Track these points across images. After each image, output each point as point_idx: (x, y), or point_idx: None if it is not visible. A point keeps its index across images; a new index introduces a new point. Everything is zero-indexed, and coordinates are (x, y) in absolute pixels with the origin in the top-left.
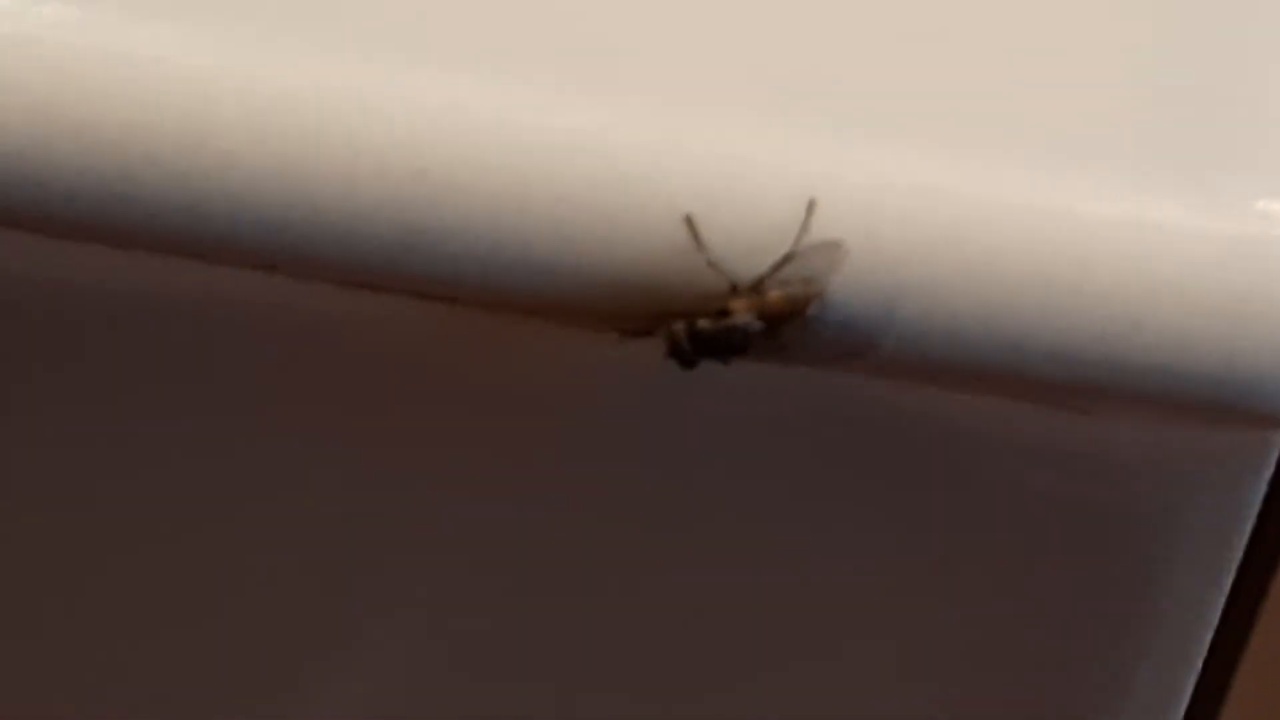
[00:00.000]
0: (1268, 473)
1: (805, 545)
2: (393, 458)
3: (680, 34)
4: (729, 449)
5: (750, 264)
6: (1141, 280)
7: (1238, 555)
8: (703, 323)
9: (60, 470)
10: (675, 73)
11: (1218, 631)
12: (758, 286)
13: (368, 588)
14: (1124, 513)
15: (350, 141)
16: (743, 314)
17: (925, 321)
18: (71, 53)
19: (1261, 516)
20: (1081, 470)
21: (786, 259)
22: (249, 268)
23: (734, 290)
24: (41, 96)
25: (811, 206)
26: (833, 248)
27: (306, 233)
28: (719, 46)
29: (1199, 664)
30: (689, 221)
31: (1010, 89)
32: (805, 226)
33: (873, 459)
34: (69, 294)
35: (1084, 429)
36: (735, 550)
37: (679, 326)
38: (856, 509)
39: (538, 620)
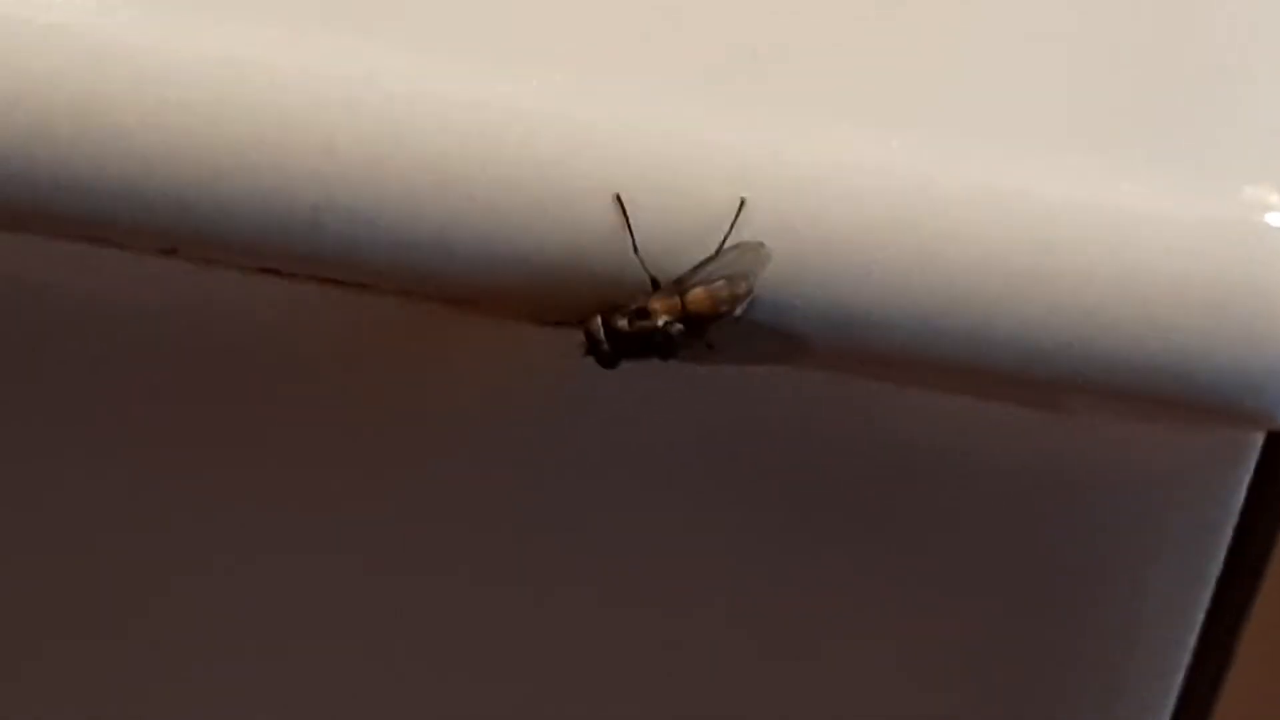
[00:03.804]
0: (1247, 476)
1: (765, 551)
2: (306, 451)
3: (621, 7)
4: (670, 451)
5: (677, 260)
6: (1111, 268)
7: (1218, 562)
8: (621, 321)
9: None
10: (611, 49)
11: (1202, 641)
12: (679, 285)
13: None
14: (1097, 517)
15: (253, 114)
16: (662, 314)
17: (871, 314)
18: None
19: (1244, 521)
20: (1050, 472)
21: (710, 258)
22: (146, 251)
23: (655, 288)
24: None
25: (741, 205)
26: (758, 247)
27: (206, 211)
28: (657, 24)
29: (1182, 673)
30: (618, 201)
31: (966, 66)
32: (734, 225)
33: (829, 462)
34: None
35: (1050, 428)
36: (671, 557)
37: (596, 323)
38: (812, 515)
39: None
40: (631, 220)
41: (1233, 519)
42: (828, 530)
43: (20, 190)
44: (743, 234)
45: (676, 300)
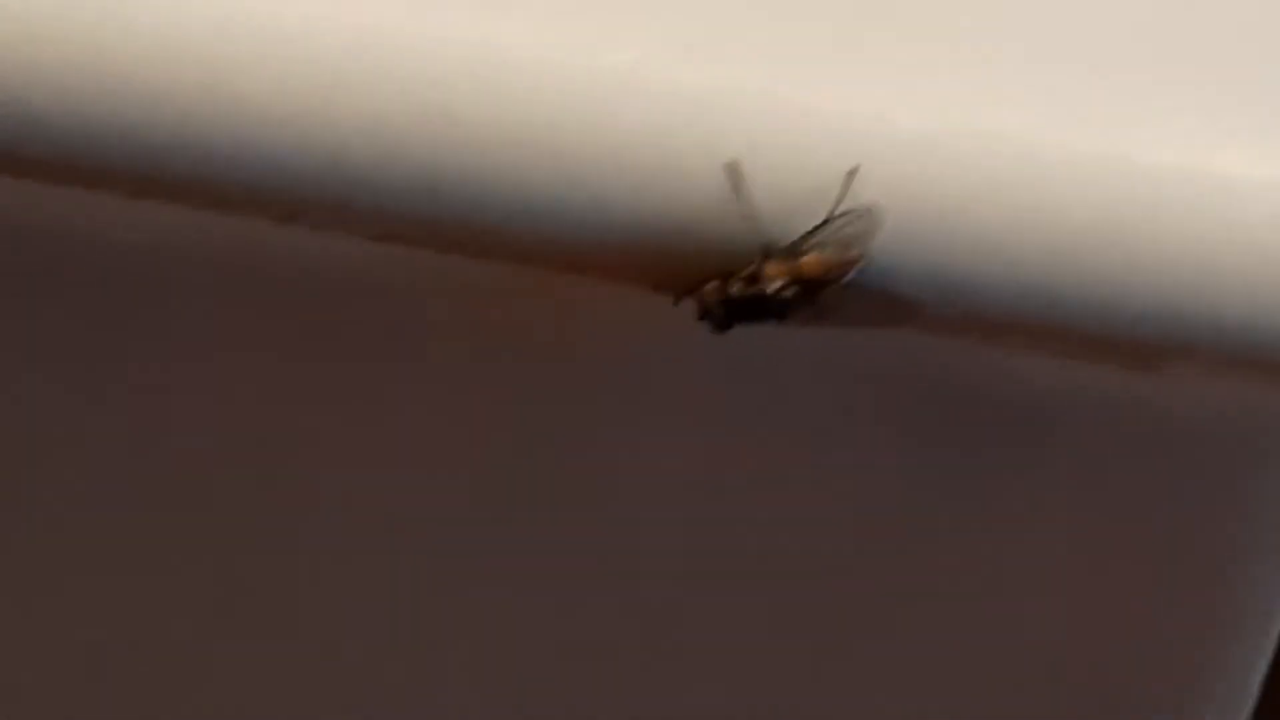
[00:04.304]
0: None
1: (860, 518)
2: (417, 420)
3: None
4: (777, 412)
5: (789, 224)
6: (1211, 232)
7: None
8: (735, 288)
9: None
10: (724, 15)
11: None
12: (792, 251)
13: (379, 569)
14: (1194, 478)
15: (374, 82)
16: (775, 280)
17: (981, 278)
18: None
19: None
20: (1150, 435)
21: (822, 224)
22: (266, 217)
23: (767, 254)
24: (41, 31)
25: (852, 174)
26: (870, 213)
27: (326, 178)
28: None
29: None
30: (732, 168)
31: (1074, 31)
32: (844, 193)
33: (932, 424)
34: (74, 244)
35: (1150, 390)
36: (782, 522)
37: (711, 289)
38: (913, 477)
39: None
40: (745, 187)
41: None
42: (931, 493)
43: (143, 156)
44: (854, 199)
45: (789, 265)
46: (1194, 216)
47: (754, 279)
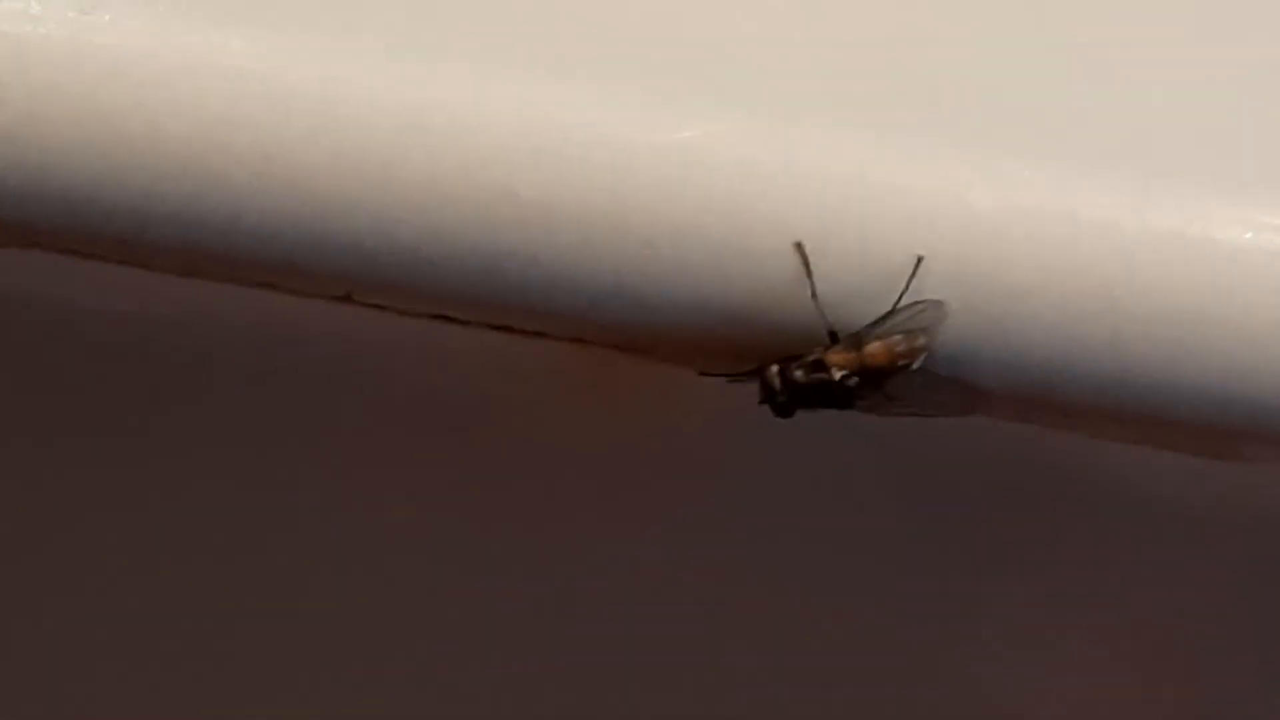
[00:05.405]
0: None
1: (934, 608)
2: (466, 494)
3: (802, 40)
4: (838, 497)
5: (855, 309)
6: None
7: None
8: (797, 373)
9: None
10: (794, 93)
11: None
12: (856, 339)
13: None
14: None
15: (431, 157)
16: (838, 367)
17: (1056, 363)
18: (133, 61)
19: None
20: (1228, 522)
21: (888, 314)
22: (320, 297)
23: (832, 339)
24: (100, 107)
25: (918, 264)
26: (936, 305)
27: (383, 257)
28: (840, 67)
29: None
30: (799, 248)
31: (1150, 106)
32: (910, 282)
33: (999, 511)
34: (128, 322)
35: (1236, 477)
36: (837, 609)
37: (773, 372)
38: (987, 564)
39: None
40: (812, 268)
41: None
42: (1002, 580)
43: (197, 236)
44: (924, 280)
45: (853, 354)
46: (1276, 297)
47: (818, 365)
